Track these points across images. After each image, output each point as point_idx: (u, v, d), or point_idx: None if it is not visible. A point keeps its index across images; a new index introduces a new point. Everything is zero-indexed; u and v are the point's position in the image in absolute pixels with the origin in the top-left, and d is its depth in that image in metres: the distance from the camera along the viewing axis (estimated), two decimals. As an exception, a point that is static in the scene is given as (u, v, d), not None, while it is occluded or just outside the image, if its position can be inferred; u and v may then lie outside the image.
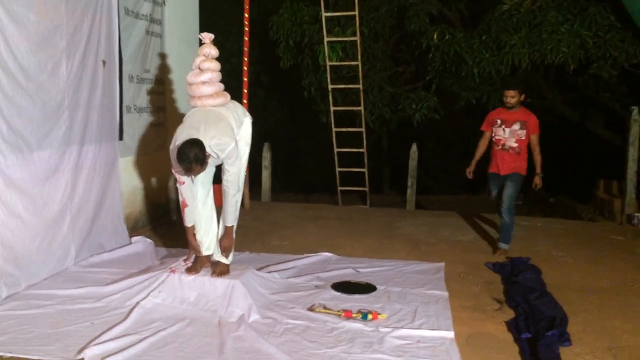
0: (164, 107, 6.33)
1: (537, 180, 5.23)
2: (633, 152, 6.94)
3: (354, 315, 3.73)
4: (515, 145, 5.16)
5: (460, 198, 11.12)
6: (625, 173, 7.01)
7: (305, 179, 14.01)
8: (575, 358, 3.20)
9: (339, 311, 3.79)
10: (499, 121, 5.24)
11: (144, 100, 5.94)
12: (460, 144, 15.92)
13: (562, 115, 10.42)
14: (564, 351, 3.25)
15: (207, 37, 4.03)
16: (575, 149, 12.03)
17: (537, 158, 5.21)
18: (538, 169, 5.21)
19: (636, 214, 6.73)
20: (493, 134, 5.28)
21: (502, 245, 5.34)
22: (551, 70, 8.73)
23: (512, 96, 5.11)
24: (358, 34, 8.08)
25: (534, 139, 5.16)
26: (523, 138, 5.14)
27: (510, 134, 5.17)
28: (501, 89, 5.35)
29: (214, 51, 4.02)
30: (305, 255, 5.13)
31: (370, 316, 3.71)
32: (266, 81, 13.16)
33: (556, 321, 3.59)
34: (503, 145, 5.21)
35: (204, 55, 4.01)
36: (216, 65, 4.03)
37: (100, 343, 3.26)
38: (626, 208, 6.95)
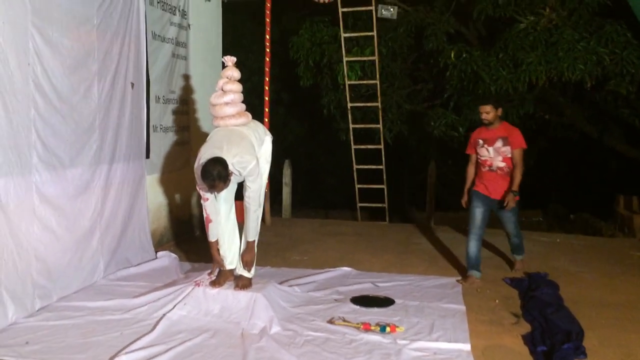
0: (188, 127, 6.55)
1: (509, 199, 4.80)
2: (652, 168, 6.96)
3: (372, 327, 3.84)
4: (503, 164, 4.88)
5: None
6: (645, 189, 7.02)
7: (326, 195, 14.14)
8: (589, 371, 3.27)
9: (357, 324, 3.90)
10: (480, 141, 4.96)
11: (169, 120, 6.17)
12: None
13: (582, 131, 10.45)
14: (579, 364, 3.31)
15: (230, 60, 4.23)
16: (596, 165, 12.00)
17: (516, 174, 4.82)
18: (514, 186, 4.81)
19: (656, 230, 6.73)
20: (478, 156, 5.02)
21: (518, 257, 5.34)
22: (569, 87, 8.79)
23: (487, 112, 4.84)
24: (376, 53, 8.25)
25: (517, 154, 4.83)
26: (509, 156, 4.86)
27: (495, 153, 4.89)
28: (475, 106, 5.32)
29: (236, 73, 4.22)
30: (325, 270, 5.26)
31: (388, 329, 3.81)
32: (286, 99, 13.40)
33: (572, 335, 3.65)
34: (490, 166, 4.93)
35: (227, 78, 4.20)
36: (238, 87, 4.22)
37: (129, 352, 3.42)
38: (646, 224, 6.96)
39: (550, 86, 8.49)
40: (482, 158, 4.98)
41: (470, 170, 5.15)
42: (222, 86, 4.18)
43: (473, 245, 4.99)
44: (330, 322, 3.97)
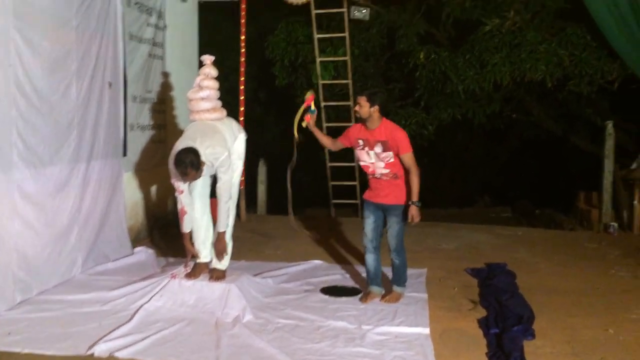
0: (165, 125, 6.72)
1: (413, 211, 4.18)
2: (608, 164, 7.30)
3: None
4: (386, 171, 4.27)
5: (450, 212, 11.48)
6: (602, 184, 7.37)
7: (302, 193, 14.35)
8: (536, 350, 3.56)
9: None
10: (360, 142, 4.32)
11: (146, 118, 6.34)
12: (454, 159, 16.39)
13: (548, 130, 10.86)
14: (527, 344, 3.60)
15: (208, 59, 4.50)
16: (561, 163, 12.44)
17: (412, 181, 4.17)
18: (413, 196, 4.17)
19: (612, 223, 7.08)
20: (359, 160, 4.47)
21: (397, 289, 4.46)
22: (533, 87, 9.15)
23: (360, 105, 4.20)
24: (348, 54, 8.49)
25: (406, 159, 4.19)
26: (392, 161, 4.23)
27: (376, 158, 4.28)
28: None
29: (213, 71, 4.49)
30: (296, 262, 5.49)
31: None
32: (263, 97, 13.57)
33: (523, 318, 3.94)
34: (373, 174, 4.35)
35: (204, 75, 4.45)
36: (215, 84, 4.48)
37: (108, 340, 3.62)
38: (603, 218, 7.30)
39: (516, 86, 8.84)
40: (363, 163, 4.39)
41: (328, 141, 4.70)
42: (200, 82, 4.44)
43: (369, 259, 4.47)
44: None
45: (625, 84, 8.17)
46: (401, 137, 4.22)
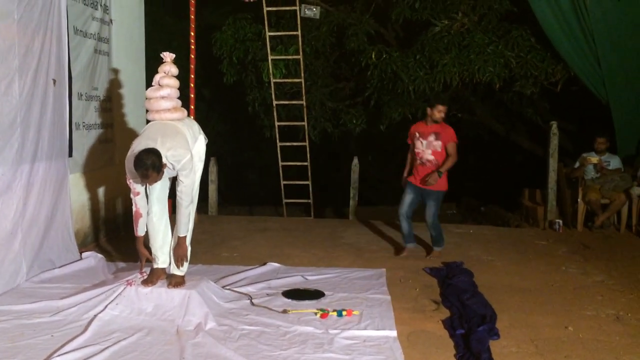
0: (112, 124, 6.42)
1: (431, 175, 5.42)
2: (553, 163, 7.57)
3: (330, 313, 4.12)
4: (431, 158, 5.50)
5: (397, 208, 11.60)
6: (547, 182, 7.63)
7: (249, 191, 14.17)
8: (502, 350, 3.60)
9: (316, 310, 4.16)
10: (417, 134, 5.59)
11: (92, 117, 6.03)
12: (398, 155, 16.63)
13: (491, 129, 11.17)
14: (493, 344, 3.64)
15: (169, 56, 4.30)
16: (503, 161, 12.83)
17: (446, 160, 5.45)
18: (441, 168, 5.44)
19: (557, 220, 7.34)
20: (414, 147, 5.64)
21: (436, 248, 5.78)
22: (479, 88, 9.37)
23: (439, 111, 5.47)
24: (301, 52, 8.42)
25: (450, 147, 5.47)
26: (439, 150, 5.48)
27: (426, 146, 5.51)
28: (432, 103, 5.56)
29: (173, 69, 4.29)
30: (255, 266, 5.37)
31: (344, 312, 4.13)
32: (207, 94, 13.26)
33: (486, 318, 4.00)
34: (421, 158, 5.54)
35: (164, 72, 4.25)
36: (175, 82, 4.29)
37: (63, 354, 3.39)
38: (548, 215, 7.56)
39: (463, 86, 9.03)
40: (416, 150, 5.58)
41: (410, 157, 5.78)
42: (159, 80, 4.24)
43: (404, 224, 5.76)
44: (285, 311, 4.16)
45: (565, 85, 8.52)
46: (451, 130, 5.53)
